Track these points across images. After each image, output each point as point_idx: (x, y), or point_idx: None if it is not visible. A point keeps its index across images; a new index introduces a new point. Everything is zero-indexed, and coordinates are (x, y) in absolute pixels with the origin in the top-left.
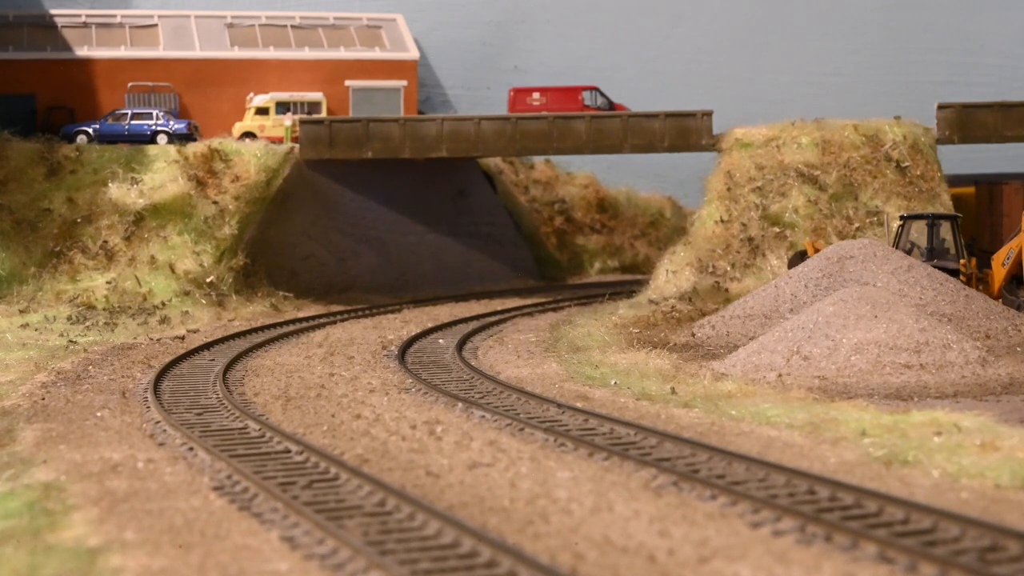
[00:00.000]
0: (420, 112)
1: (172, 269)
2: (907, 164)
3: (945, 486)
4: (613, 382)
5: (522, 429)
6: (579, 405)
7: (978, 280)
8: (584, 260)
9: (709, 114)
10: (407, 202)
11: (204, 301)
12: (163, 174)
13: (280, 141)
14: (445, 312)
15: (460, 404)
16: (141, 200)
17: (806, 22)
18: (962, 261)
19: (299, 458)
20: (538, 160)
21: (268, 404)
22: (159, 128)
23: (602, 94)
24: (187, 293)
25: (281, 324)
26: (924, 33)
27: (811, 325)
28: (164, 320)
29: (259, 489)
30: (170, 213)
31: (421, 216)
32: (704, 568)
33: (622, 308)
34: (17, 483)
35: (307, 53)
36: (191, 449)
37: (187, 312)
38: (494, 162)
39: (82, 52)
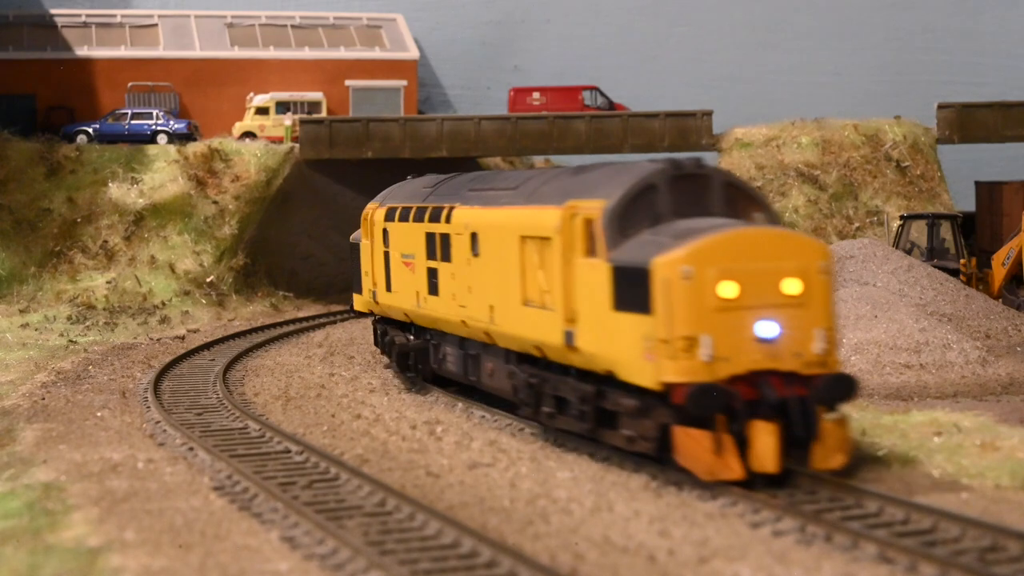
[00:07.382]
0: (420, 112)
1: (172, 269)
2: (907, 164)
3: (945, 486)
4: None
5: (522, 429)
6: None
7: (978, 280)
8: None
9: (709, 114)
10: None
11: (204, 301)
12: (163, 174)
13: (280, 141)
14: None
15: (460, 404)
16: (141, 200)
17: (806, 22)
18: (962, 261)
19: (299, 458)
20: (538, 160)
21: (268, 404)
22: (159, 128)
23: (602, 94)
24: (187, 293)
25: (281, 324)
26: (924, 33)
27: None
28: (164, 320)
29: (259, 489)
30: (170, 213)
31: None
32: (704, 568)
33: None
34: (17, 483)
35: (307, 53)
36: (191, 449)
37: (187, 312)
38: (494, 162)
39: (82, 52)
